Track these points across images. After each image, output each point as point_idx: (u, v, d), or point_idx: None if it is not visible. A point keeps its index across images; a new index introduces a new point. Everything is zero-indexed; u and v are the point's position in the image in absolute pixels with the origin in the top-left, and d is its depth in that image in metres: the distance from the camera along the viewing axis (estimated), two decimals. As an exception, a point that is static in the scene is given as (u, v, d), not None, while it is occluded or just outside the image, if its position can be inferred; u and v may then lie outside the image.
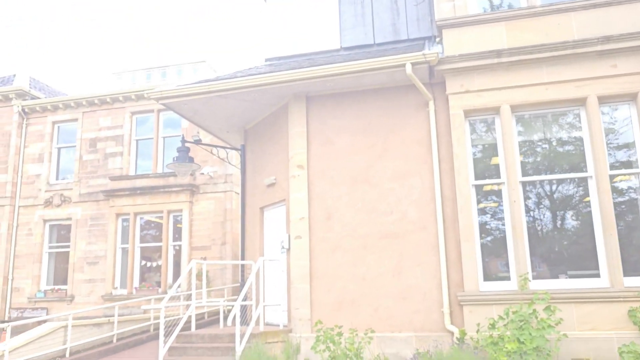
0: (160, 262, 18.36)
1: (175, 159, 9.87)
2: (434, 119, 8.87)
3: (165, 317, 14.08)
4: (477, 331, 7.68)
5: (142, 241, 18.67)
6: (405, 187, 8.85)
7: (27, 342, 8.98)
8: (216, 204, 18.23)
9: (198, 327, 14.90)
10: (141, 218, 18.81)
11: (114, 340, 11.22)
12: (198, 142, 10.40)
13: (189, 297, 15.69)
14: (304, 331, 8.70)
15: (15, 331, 9.40)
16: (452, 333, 8.05)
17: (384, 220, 8.81)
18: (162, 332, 8.23)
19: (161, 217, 18.54)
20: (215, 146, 10.54)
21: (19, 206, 19.95)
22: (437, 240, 8.51)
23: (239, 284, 17.75)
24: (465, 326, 7.98)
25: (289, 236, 9.30)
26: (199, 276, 17.64)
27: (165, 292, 17.66)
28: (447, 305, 8.21)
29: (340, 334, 7.61)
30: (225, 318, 14.38)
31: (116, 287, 18.35)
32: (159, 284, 18.10)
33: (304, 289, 8.89)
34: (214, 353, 8.36)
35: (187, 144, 9.98)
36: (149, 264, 18.60)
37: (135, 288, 18.11)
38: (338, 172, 9.19)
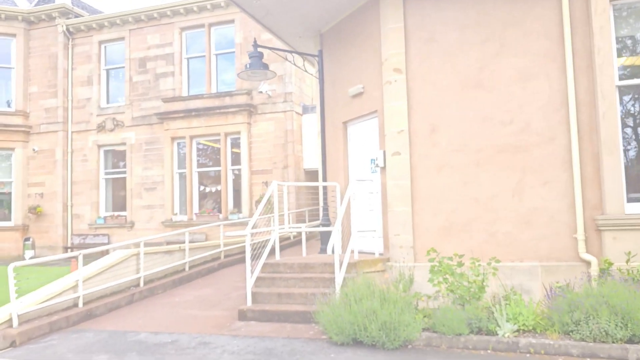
0: (219, 187, 17.59)
1: (248, 65, 8.57)
2: (567, 5, 7.14)
3: (235, 245, 13.36)
4: (627, 261, 6.39)
5: (199, 166, 17.84)
6: (528, 90, 7.31)
7: (100, 271, 8.26)
8: (276, 124, 17.04)
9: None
10: (197, 141, 17.87)
11: (186, 269, 10.51)
12: (257, 49, 8.93)
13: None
14: (406, 259, 7.61)
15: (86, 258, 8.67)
16: (589, 263, 6.78)
17: (501, 132, 7.38)
18: (249, 262, 7.29)
19: (218, 140, 17.55)
20: (290, 51, 9.14)
21: (72, 132, 19.32)
22: (569, 154, 7.07)
23: (302, 210, 16.89)
24: (606, 255, 6.69)
25: (384, 153, 8.04)
26: (260, 201, 16.82)
27: (226, 218, 17.00)
28: (581, 231, 6.89)
29: (460, 264, 6.45)
30: (293, 245, 13.52)
31: (176, 213, 17.79)
32: (218, 209, 17.41)
33: (405, 212, 7.71)
34: (307, 284, 7.41)
35: (259, 49, 8.62)
36: (207, 189, 17.87)
37: (196, 214, 17.50)
38: (444, 75, 7.70)
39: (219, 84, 18.08)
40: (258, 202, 16.67)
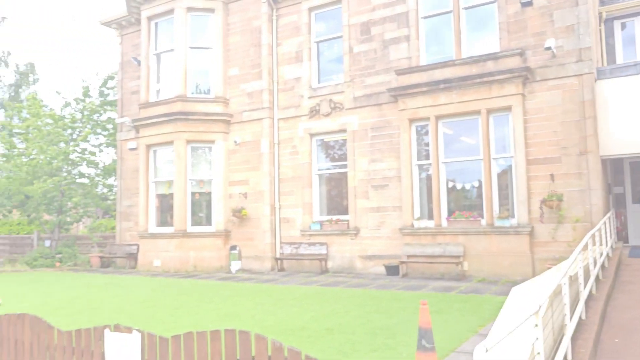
0: (475, 184, 13.16)
1: None
2: None
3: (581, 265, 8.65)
4: None
5: (448, 155, 13.54)
6: None
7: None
8: (564, 95, 12.19)
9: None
10: (445, 123, 13.60)
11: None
12: None
13: (530, 232, 10.18)
14: None
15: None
16: None
17: None
18: None
19: (475, 121, 13.14)
20: None
21: (278, 119, 16.10)
22: None
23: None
24: None
25: None
26: (548, 200, 12.08)
27: (491, 224, 12.52)
28: None
29: None
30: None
31: (418, 218, 13.62)
32: (479, 212, 12.95)
33: None
34: None
35: None
36: (459, 186, 13.51)
37: (447, 218, 13.20)
38: None
39: (470, 47, 13.67)
40: (545, 201, 11.94)
